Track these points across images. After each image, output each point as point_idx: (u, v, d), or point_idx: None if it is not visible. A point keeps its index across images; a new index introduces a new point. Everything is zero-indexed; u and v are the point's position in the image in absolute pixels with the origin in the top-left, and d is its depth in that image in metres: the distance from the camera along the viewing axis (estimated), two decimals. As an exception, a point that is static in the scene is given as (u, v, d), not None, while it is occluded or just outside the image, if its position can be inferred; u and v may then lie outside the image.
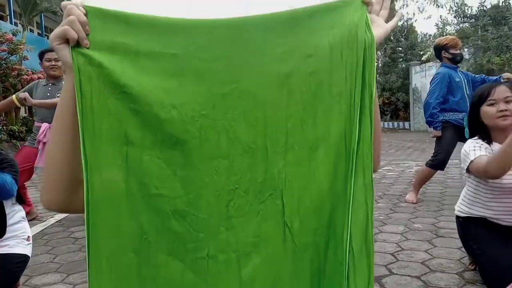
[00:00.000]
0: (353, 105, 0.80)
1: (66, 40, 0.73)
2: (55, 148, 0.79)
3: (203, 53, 0.79)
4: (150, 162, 0.76)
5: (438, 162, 3.97)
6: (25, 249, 2.13)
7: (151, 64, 0.76)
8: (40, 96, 3.60)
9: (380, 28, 0.85)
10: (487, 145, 2.08)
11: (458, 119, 3.87)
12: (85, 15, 0.74)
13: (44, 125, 3.54)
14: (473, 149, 2.03)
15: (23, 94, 3.46)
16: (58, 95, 3.38)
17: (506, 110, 2.02)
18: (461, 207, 2.25)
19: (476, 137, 2.17)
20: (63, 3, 0.76)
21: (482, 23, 11.80)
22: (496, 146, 2.08)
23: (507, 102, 2.05)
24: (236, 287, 0.80)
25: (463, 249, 2.55)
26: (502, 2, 11.79)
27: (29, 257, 2.17)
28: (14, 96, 3.52)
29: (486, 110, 2.10)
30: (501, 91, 2.07)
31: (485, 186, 2.06)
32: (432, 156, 4.07)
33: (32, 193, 4.59)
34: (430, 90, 4.03)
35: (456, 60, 4.03)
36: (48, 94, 3.62)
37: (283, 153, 0.80)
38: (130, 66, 0.75)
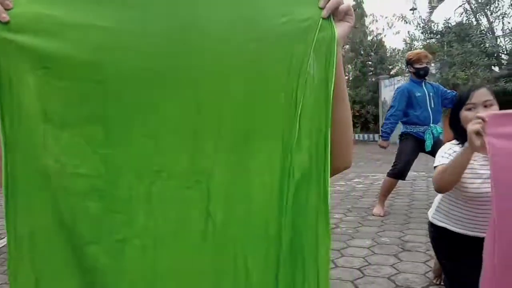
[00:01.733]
0: (294, 101, 0.76)
1: None
2: None
3: (136, 27, 0.74)
4: (69, 140, 0.72)
5: (397, 172, 4.08)
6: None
7: (78, 37, 0.72)
8: None
9: (344, 24, 0.80)
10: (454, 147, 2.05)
11: (419, 132, 3.96)
12: None
13: None
14: (441, 156, 1.97)
15: None
16: None
17: None
18: (436, 216, 2.19)
19: (455, 141, 2.10)
20: None
21: (447, 39, 12.20)
22: (476, 157, 2.04)
23: (486, 106, 1.92)
24: (150, 276, 0.74)
25: (428, 263, 2.56)
26: (466, 20, 12.26)
27: None
28: None
29: (465, 115, 1.98)
30: (480, 95, 1.95)
31: (455, 195, 2.05)
32: (392, 166, 4.18)
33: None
34: (390, 105, 4.18)
35: (419, 74, 4.11)
36: None
37: (214, 139, 0.75)
38: (55, 39, 0.71)
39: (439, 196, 2.17)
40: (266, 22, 0.76)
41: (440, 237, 2.13)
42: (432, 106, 4.00)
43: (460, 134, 2.09)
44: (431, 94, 4.01)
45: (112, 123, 0.73)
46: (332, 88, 0.76)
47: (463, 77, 10.76)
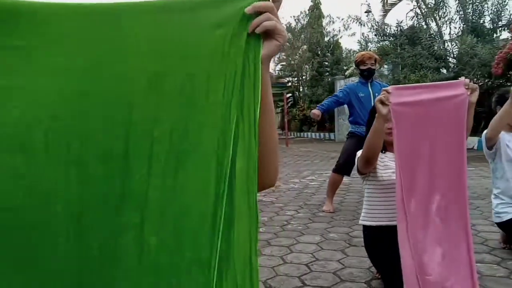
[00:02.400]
0: (229, 119, 0.72)
1: None
2: None
3: (57, 46, 0.68)
4: None
5: (339, 167, 4.24)
6: None
7: None
8: None
9: (273, 43, 0.74)
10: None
11: (362, 131, 4.06)
12: None
13: None
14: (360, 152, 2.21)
15: None
16: None
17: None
18: (363, 217, 2.33)
19: None
20: None
21: (399, 42, 12.66)
22: (389, 154, 2.20)
23: None
24: None
25: (372, 257, 2.60)
26: (417, 24, 12.78)
27: None
28: None
29: (379, 107, 2.19)
30: None
31: (373, 187, 2.19)
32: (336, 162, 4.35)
33: None
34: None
35: (363, 75, 4.23)
36: None
37: (147, 163, 0.71)
38: None
39: (364, 200, 2.38)
40: (200, 34, 0.72)
41: (368, 234, 2.33)
42: None
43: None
44: (376, 94, 4.09)
45: (32, 151, 0.68)
46: (258, 108, 0.72)
47: (414, 79, 11.19)
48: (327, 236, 3.36)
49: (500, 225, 2.80)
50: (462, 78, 1.84)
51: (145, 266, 0.71)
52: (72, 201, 0.69)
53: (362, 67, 4.20)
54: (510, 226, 2.71)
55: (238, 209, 0.73)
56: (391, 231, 2.06)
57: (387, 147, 2.24)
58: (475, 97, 1.81)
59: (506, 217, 2.71)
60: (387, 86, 5.08)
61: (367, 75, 4.20)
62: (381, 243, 2.20)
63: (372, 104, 4.11)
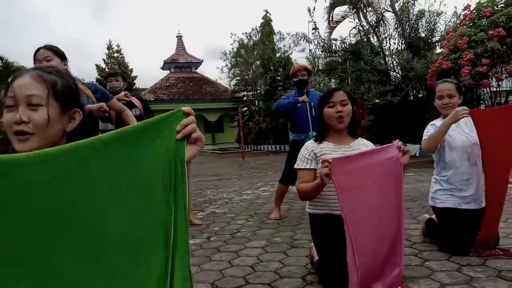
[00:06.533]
0: (171, 208, 0.96)
1: None
2: None
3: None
4: None
5: (283, 177, 4.58)
6: None
7: None
8: None
9: (194, 147, 1.03)
10: (313, 148, 2.54)
11: (300, 139, 4.39)
12: None
13: None
14: (302, 160, 2.56)
15: None
16: None
17: (341, 111, 2.47)
18: (309, 206, 2.62)
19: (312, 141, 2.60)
20: None
21: (343, 58, 13.41)
22: (324, 144, 2.54)
23: (343, 105, 2.50)
24: None
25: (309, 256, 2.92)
26: (359, 40, 13.59)
27: None
28: None
29: (327, 111, 2.53)
30: (338, 95, 2.52)
31: None
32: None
33: None
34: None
35: (297, 86, 4.61)
36: None
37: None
38: None
39: None
40: (138, 153, 0.96)
41: (314, 223, 2.61)
42: (313, 114, 4.39)
43: (322, 130, 2.59)
44: (312, 104, 4.41)
45: None
46: (187, 198, 0.97)
47: (359, 92, 11.87)
48: (272, 240, 3.67)
49: (433, 208, 3.15)
50: (396, 142, 2.18)
51: None
52: None
53: (294, 79, 4.61)
54: (440, 213, 3.08)
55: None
56: (331, 218, 2.40)
57: (330, 134, 2.56)
58: (406, 159, 2.16)
59: (440, 205, 3.05)
60: (321, 94, 5.43)
61: (300, 86, 4.57)
62: (322, 229, 2.51)
63: (309, 113, 4.46)
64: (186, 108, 1.02)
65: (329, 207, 2.45)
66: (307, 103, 4.44)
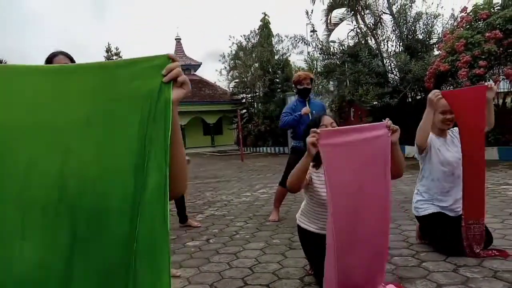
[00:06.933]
0: (144, 144, 1.00)
1: None
2: None
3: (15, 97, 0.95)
4: None
5: (282, 180, 4.60)
6: None
7: None
8: None
9: (180, 90, 1.06)
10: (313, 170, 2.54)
11: (302, 146, 4.42)
12: None
13: None
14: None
15: None
16: None
17: None
18: (300, 218, 2.68)
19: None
20: None
21: (341, 60, 13.46)
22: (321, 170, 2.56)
23: (333, 127, 2.52)
24: None
25: (306, 257, 2.95)
26: (357, 42, 13.64)
27: None
28: None
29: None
30: (327, 119, 2.58)
31: (311, 198, 2.53)
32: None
33: None
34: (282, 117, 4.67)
35: (301, 94, 4.64)
36: None
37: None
38: None
39: (304, 201, 2.68)
40: (121, 84, 1.01)
41: (303, 237, 2.66)
42: None
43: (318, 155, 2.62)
44: (313, 112, 4.47)
45: None
46: (169, 136, 1.00)
47: (358, 93, 11.91)
48: (271, 242, 3.70)
49: (417, 217, 3.25)
50: (386, 120, 2.15)
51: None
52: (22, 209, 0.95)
53: (299, 87, 4.61)
54: (425, 220, 3.16)
55: (151, 215, 0.98)
56: (318, 237, 2.43)
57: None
58: (396, 137, 2.15)
59: (422, 213, 3.17)
60: (324, 105, 5.47)
61: (303, 94, 4.61)
62: (310, 243, 2.57)
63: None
64: (171, 54, 1.05)
65: (319, 227, 2.51)
66: (310, 112, 4.48)
